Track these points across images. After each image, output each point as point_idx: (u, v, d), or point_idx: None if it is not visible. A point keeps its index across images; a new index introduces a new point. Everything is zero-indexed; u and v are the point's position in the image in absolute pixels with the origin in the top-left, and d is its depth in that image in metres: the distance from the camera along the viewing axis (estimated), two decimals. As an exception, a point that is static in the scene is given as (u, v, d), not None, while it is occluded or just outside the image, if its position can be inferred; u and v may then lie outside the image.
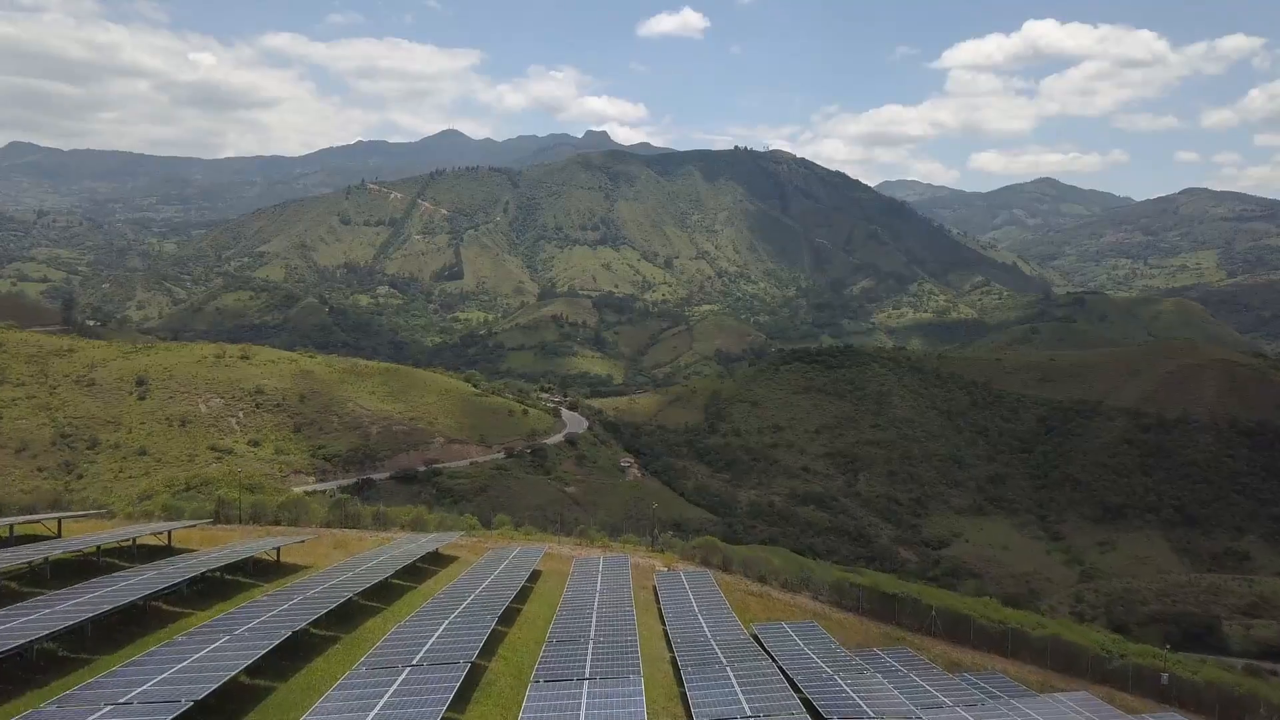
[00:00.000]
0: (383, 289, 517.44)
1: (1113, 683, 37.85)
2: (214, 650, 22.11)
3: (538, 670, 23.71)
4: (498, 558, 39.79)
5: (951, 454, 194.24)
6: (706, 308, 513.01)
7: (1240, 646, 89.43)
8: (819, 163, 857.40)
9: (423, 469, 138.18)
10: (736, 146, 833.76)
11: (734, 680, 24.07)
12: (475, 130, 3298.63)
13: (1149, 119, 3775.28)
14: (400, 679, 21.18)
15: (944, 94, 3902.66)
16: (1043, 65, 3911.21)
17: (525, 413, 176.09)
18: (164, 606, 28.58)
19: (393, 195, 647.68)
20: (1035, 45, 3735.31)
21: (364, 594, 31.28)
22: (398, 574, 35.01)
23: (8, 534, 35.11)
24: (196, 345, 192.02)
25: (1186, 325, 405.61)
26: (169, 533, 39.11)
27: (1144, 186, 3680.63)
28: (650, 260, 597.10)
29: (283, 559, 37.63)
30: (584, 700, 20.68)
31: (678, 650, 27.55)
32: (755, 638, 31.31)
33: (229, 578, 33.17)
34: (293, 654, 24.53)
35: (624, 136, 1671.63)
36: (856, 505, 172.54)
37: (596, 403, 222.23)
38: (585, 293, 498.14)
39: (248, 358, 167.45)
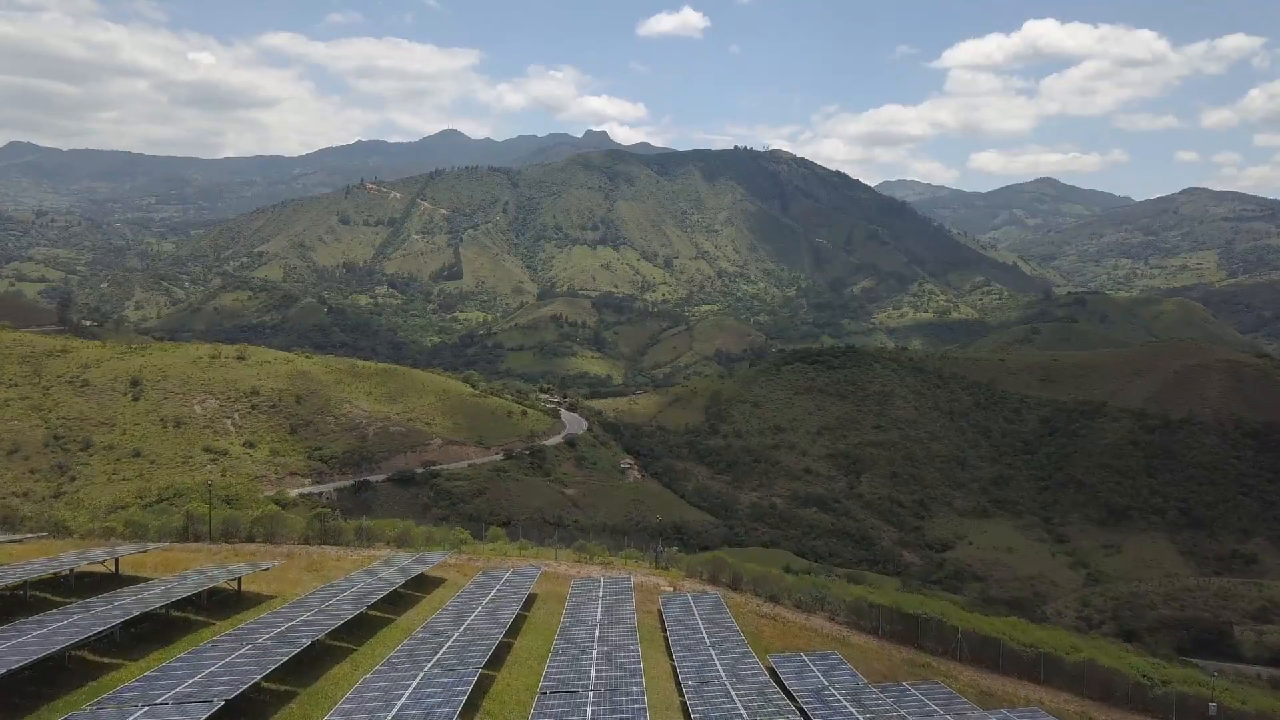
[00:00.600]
0: (382, 289, 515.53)
1: (1154, 713, 35.27)
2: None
3: None
4: (489, 581, 36.58)
5: (954, 455, 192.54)
6: (706, 308, 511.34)
7: (1253, 653, 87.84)
8: (819, 163, 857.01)
9: (420, 471, 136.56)
10: (736, 146, 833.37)
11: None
12: (475, 130, 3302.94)
13: (1149, 119, 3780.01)
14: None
15: (944, 94, 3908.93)
16: (1043, 65, 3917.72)
17: (524, 414, 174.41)
18: (89, 656, 24.60)
19: (392, 195, 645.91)
20: (1035, 45, 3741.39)
21: (334, 633, 27.49)
22: (376, 604, 31.52)
23: None
24: (192, 345, 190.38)
25: (1188, 325, 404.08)
26: (115, 560, 34.69)
27: (1144, 186, 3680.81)
28: (650, 260, 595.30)
29: (245, 588, 33.75)
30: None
31: (689, 695, 24.91)
32: (772, 671, 28.84)
33: (176, 615, 29.28)
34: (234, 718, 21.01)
35: (624, 136, 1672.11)
36: (859, 507, 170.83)
37: (596, 403, 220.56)
38: (585, 293, 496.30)
39: (243, 358, 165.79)
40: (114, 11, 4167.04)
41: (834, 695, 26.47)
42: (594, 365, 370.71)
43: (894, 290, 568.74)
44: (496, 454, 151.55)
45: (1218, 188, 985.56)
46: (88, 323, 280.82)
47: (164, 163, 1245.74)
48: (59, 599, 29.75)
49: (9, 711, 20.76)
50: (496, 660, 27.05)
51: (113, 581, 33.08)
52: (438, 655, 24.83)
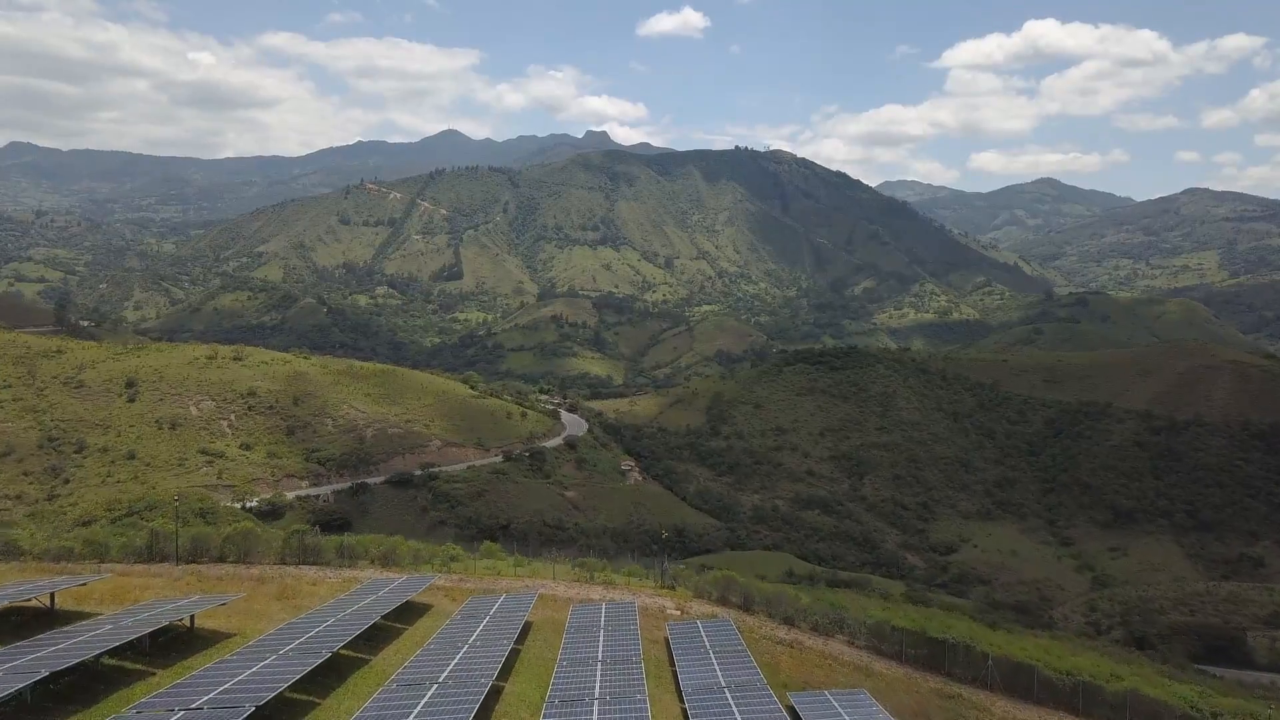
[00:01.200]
0: (381, 289, 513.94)
1: (1206, 748, 33.02)
2: None
3: None
4: (480, 608, 33.44)
5: (958, 457, 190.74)
6: (707, 308, 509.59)
7: (1266, 660, 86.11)
8: (819, 163, 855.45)
9: (419, 473, 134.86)
10: (736, 146, 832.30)
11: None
12: (475, 130, 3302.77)
13: (1149, 119, 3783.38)
14: None
15: (944, 94, 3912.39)
16: (1043, 65, 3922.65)
17: (524, 415, 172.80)
18: (-18, 727, 21.51)
19: (392, 195, 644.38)
20: (1036, 45, 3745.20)
21: (296, 684, 23.74)
22: (351, 642, 27.89)
23: None
24: (188, 346, 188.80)
25: (1191, 326, 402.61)
26: (51, 595, 30.81)
27: (1144, 186, 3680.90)
28: (650, 260, 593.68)
29: (201, 625, 29.94)
30: None
31: None
32: (794, 712, 26.42)
33: (109, 664, 25.42)
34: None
35: (624, 136, 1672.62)
36: (862, 510, 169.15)
37: (596, 404, 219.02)
38: (585, 293, 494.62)
39: (240, 359, 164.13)
40: (114, 11, 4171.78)
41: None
42: (594, 366, 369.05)
43: (895, 291, 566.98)
44: (496, 456, 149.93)
45: (1218, 188, 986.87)
46: (85, 323, 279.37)
47: (164, 163, 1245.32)
48: (-23, 642, 25.94)
49: None
50: (485, 711, 24.39)
51: (46, 620, 29.35)
52: (415, 712, 22.00)
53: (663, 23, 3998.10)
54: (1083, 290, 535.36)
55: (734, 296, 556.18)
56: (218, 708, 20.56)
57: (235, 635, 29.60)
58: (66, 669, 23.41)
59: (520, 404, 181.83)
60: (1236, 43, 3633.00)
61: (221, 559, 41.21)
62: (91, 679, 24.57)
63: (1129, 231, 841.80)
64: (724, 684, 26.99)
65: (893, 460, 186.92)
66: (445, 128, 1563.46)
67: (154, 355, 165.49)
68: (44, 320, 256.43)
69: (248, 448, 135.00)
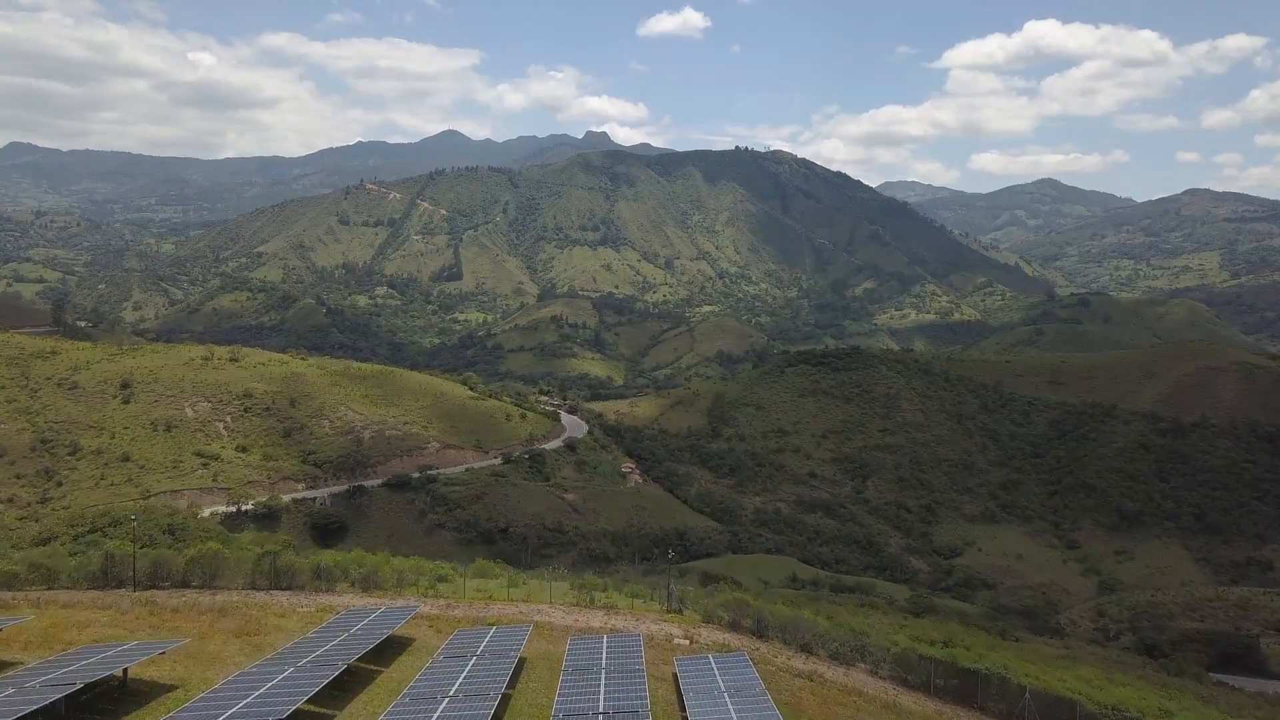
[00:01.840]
0: (381, 290, 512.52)
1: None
2: None
3: None
4: (467, 644, 30.73)
5: (961, 459, 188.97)
6: (707, 308, 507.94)
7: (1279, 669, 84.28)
8: (819, 163, 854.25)
9: (417, 475, 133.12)
10: (737, 147, 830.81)
11: None
12: (475, 131, 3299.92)
13: (1150, 119, 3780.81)
14: None
15: (944, 94, 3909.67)
16: (1044, 65, 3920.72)
17: (523, 416, 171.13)
18: None
19: (392, 195, 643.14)
20: (1036, 45, 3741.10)
21: None
22: (313, 697, 24.08)
23: None
24: (184, 347, 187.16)
25: (1193, 326, 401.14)
26: None
27: (1145, 187, 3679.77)
28: (651, 261, 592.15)
29: (138, 676, 25.98)
30: None
31: None
32: None
33: None
34: None
35: (624, 137, 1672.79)
36: (865, 512, 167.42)
37: (596, 406, 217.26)
38: (585, 293, 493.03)
39: (237, 360, 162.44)
40: (114, 11, 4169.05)
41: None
42: (594, 367, 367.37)
43: (896, 291, 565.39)
44: (495, 458, 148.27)
45: (1219, 188, 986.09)
46: (83, 324, 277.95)
47: (164, 163, 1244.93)
48: None
49: None
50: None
51: (-53, 674, 25.58)
52: None
53: (663, 23, 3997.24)
54: (1084, 291, 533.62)
55: (734, 297, 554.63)
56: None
57: (177, 688, 26.01)
58: None
59: (519, 405, 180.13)
60: (1237, 43, 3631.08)
61: (185, 584, 37.96)
62: (-28, 763, 20.70)
63: (1130, 232, 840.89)
64: (741, 730, 23.61)
65: (896, 462, 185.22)
66: (445, 128, 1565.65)
67: (149, 356, 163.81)
68: (41, 321, 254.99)
69: (244, 450, 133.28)
